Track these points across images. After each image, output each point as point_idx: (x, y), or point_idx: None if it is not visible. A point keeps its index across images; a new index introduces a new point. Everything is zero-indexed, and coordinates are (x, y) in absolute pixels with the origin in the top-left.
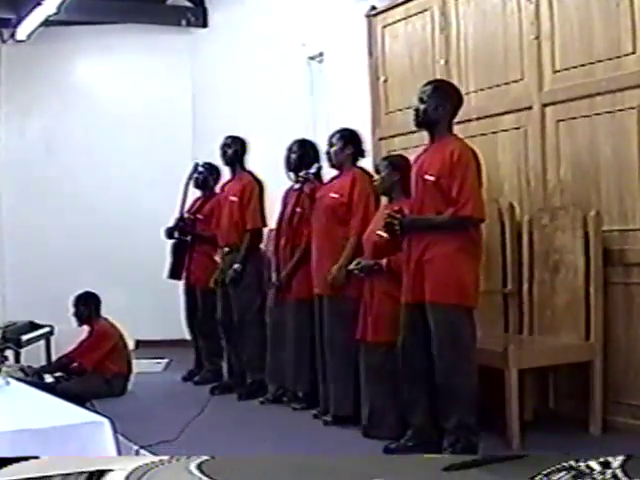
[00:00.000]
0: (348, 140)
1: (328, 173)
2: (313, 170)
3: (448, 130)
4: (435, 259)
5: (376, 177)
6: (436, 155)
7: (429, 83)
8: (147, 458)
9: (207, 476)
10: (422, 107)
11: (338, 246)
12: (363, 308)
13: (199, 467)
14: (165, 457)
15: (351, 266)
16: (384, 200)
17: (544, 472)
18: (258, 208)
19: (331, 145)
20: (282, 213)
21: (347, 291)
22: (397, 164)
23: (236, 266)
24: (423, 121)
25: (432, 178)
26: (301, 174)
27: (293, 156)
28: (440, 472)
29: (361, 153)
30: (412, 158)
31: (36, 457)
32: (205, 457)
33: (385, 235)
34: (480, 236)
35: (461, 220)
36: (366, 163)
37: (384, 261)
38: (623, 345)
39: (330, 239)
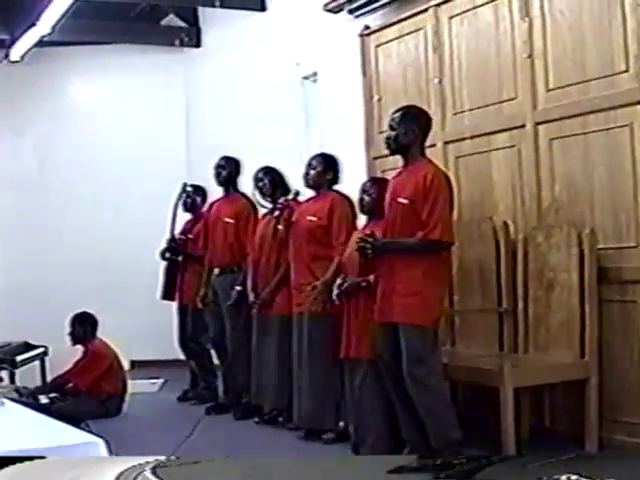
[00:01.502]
0: (329, 165)
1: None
2: (291, 197)
3: (421, 153)
4: (404, 281)
5: (365, 198)
6: (410, 178)
7: (398, 110)
8: (129, 461)
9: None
10: (393, 134)
11: (315, 266)
12: (347, 326)
13: (154, 472)
14: (150, 458)
15: (337, 284)
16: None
17: None
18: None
19: (310, 167)
20: (261, 234)
21: (327, 309)
22: (384, 187)
23: (238, 288)
24: (395, 147)
25: (406, 201)
26: (280, 201)
27: (264, 183)
28: (385, 474)
29: (337, 179)
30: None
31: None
32: (161, 460)
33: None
34: (450, 258)
35: (430, 243)
36: (356, 183)
37: (372, 277)
38: (618, 363)
39: (308, 260)
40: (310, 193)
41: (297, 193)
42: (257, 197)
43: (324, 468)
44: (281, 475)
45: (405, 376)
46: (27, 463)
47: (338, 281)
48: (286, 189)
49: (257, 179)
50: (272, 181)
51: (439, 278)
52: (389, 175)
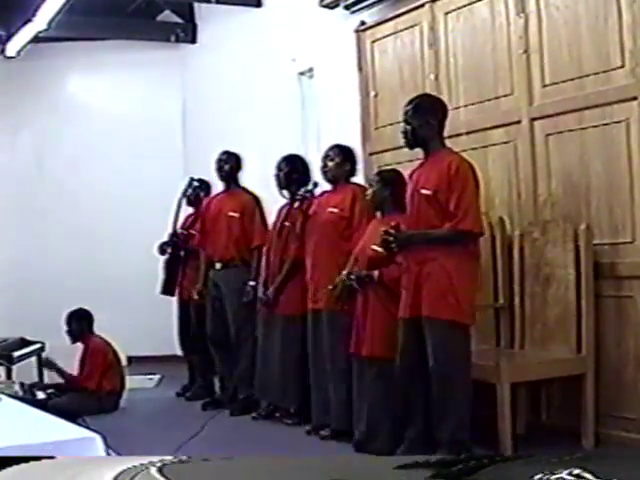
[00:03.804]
0: (347, 157)
1: (323, 188)
2: (310, 187)
3: (441, 143)
4: (433, 274)
5: (368, 191)
6: (433, 169)
7: (410, 102)
8: (129, 460)
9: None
10: (409, 128)
11: (338, 260)
12: (356, 322)
13: (160, 471)
14: (142, 460)
15: (342, 277)
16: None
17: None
18: (262, 224)
19: (328, 158)
20: (272, 228)
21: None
22: (388, 179)
23: (252, 283)
24: (413, 142)
25: (429, 192)
26: (300, 192)
27: (281, 174)
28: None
29: (354, 171)
30: (406, 173)
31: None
32: (167, 460)
33: (381, 250)
34: (479, 251)
35: (460, 234)
36: (358, 178)
37: (375, 273)
38: (615, 358)
39: (329, 254)
40: (327, 187)
41: (315, 184)
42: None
43: (329, 467)
44: (288, 474)
45: (432, 373)
46: (25, 465)
47: (343, 274)
48: (304, 181)
49: (278, 168)
50: (289, 172)
51: (470, 271)
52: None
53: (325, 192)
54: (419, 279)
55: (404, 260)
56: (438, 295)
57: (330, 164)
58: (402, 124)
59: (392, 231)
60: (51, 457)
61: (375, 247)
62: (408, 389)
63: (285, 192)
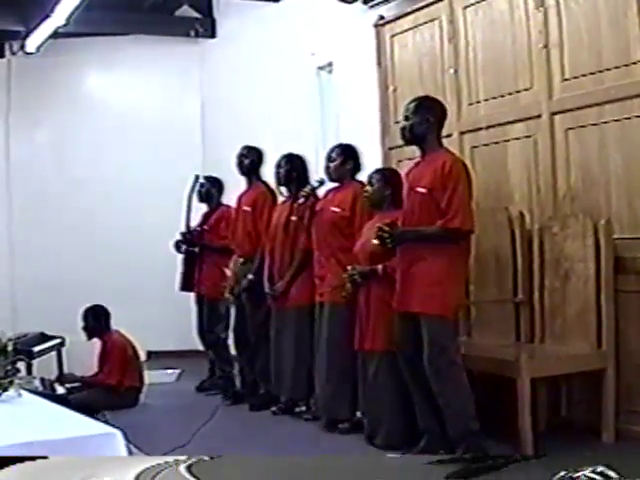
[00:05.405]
0: (348, 155)
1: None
2: (316, 184)
3: (438, 143)
4: (423, 270)
5: (367, 189)
6: (428, 168)
7: (412, 101)
8: (148, 460)
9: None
10: (407, 124)
11: (340, 258)
12: (359, 317)
13: (189, 469)
14: (169, 458)
15: (347, 273)
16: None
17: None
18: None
19: (330, 160)
20: (275, 224)
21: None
22: (389, 178)
23: (250, 277)
24: (410, 137)
25: (424, 190)
26: (306, 189)
27: (281, 171)
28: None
29: (359, 167)
30: (403, 172)
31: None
32: (195, 458)
33: (378, 244)
34: (469, 247)
35: (450, 232)
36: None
37: (380, 267)
38: (635, 353)
39: (331, 250)
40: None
41: (321, 182)
42: (282, 190)
43: (361, 467)
44: (318, 475)
45: (426, 366)
46: (44, 461)
47: (348, 270)
48: (304, 180)
49: (277, 166)
50: (289, 170)
51: (459, 267)
52: (405, 165)
53: (331, 190)
54: (410, 275)
55: (398, 255)
56: (427, 292)
57: (332, 165)
58: (401, 120)
59: (386, 228)
60: (44, 457)
61: (375, 241)
62: (412, 381)
63: (283, 189)
